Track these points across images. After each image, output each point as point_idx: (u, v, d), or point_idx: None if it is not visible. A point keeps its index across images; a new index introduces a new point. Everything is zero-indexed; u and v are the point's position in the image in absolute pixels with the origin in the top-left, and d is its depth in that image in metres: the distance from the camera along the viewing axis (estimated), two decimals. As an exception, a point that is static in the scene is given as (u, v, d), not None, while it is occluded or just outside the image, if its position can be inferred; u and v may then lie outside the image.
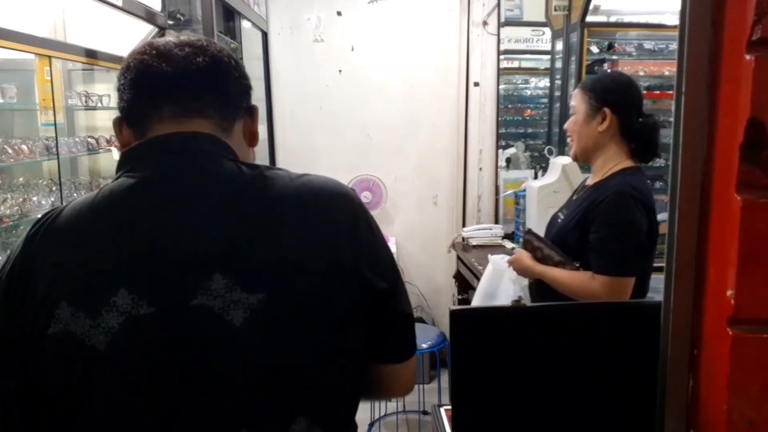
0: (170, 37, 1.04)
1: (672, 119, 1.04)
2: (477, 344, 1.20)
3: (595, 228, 1.96)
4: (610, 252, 1.93)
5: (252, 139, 1.08)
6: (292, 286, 0.89)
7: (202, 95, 0.99)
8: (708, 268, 1.04)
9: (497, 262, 2.51)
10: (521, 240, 2.30)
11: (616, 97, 2.04)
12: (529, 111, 4.78)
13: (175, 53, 0.98)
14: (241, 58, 3.43)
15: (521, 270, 2.17)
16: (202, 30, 2.47)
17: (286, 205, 0.95)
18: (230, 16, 3.24)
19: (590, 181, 2.14)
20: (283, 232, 0.92)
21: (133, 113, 1.00)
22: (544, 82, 4.67)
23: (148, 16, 2.24)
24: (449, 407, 1.66)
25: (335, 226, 0.96)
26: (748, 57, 0.87)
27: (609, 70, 3.92)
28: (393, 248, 4.19)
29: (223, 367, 0.88)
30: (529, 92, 4.72)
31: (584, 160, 2.16)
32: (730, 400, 1.00)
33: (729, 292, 0.96)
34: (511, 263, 2.21)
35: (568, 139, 2.16)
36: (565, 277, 2.01)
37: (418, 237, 4.48)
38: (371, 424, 3.85)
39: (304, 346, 0.91)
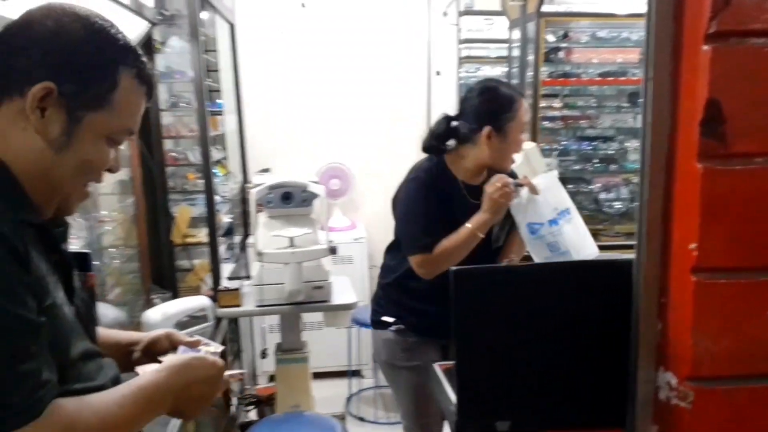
0: None
1: (640, 100, 1.22)
2: (476, 300, 1.37)
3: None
4: None
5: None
6: None
7: None
8: (673, 227, 1.21)
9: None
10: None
11: None
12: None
13: None
14: (214, 50, 3.50)
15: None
16: (188, 23, 2.56)
17: None
18: (202, 8, 3.31)
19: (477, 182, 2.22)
20: None
21: None
22: (495, 71, 4.84)
23: (137, 8, 2.31)
24: (442, 363, 1.84)
25: None
26: (705, 48, 1.04)
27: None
28: (362, 233, 4.32)
29: None
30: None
31: None
32: (694, 337, 1.18)
33: (692, 246, 1.14)
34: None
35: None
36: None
37: (385, 222, 4.59)
38: (348, 399, 4.02)
39: None
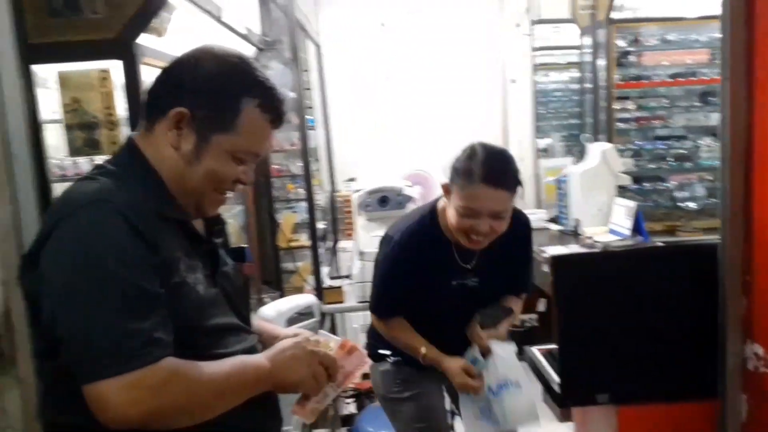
0: None
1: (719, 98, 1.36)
2: (575, 284, 1.54)
3: (522, 256, 1.96)
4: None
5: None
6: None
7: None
8: (754, 211, 1.35)
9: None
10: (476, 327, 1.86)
11: None
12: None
13: None
14: (306, 70, 3.77)
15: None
16: (288, 49, 2.83)
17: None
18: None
19: (478, 247, 1.81)
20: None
21: None
22: (563, 76, 4.96)
23: (248, 36, 2.55)
24: (540, 347, 1.99)
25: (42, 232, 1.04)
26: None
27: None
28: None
29: None
30: (550, 86, 4.96)
31: None
32: (779, 308, 1.32)
33: (774, 226, 1.29)
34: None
35: (482, 239, 1.73)
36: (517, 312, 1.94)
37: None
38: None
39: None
